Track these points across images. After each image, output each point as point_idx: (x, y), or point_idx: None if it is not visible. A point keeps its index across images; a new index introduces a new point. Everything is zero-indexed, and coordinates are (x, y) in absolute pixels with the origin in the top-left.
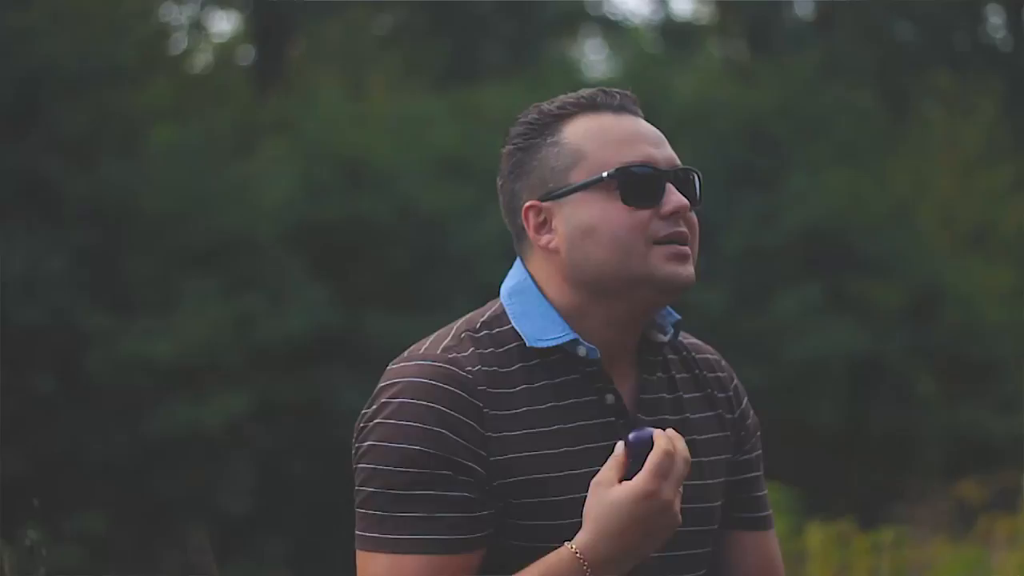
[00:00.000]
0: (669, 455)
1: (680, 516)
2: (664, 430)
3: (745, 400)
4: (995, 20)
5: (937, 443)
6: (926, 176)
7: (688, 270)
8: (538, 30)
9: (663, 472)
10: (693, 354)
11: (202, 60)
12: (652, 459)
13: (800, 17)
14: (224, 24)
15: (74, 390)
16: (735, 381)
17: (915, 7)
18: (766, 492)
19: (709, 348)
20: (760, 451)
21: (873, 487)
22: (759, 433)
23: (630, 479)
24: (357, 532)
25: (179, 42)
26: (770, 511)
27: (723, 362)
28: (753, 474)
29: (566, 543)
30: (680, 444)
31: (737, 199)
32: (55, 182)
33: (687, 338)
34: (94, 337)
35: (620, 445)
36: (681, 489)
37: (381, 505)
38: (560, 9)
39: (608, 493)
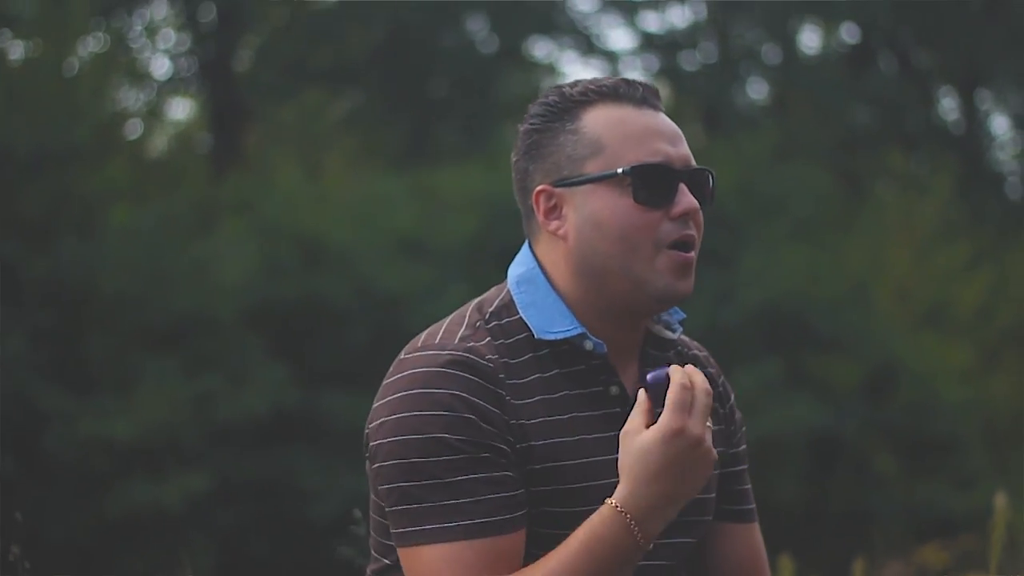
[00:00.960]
0: (687, 388)
1: (714, 452)
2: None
3: (732, 396)
4: (948, 102)
5: (896, 519)
6: (882, 254)
7: (687, 283)
8: (494, 112)
9: (684, 406)
10: (686, 349)
11: (159, 144)
12: (670, 395)
13: (755, 100)
14: (181, 109)
15: (33, 470)
16: (723, 378)
17: (869, 90)
18: (750, 487)
19: (698, 345)
20: (745, 446)
21: (833, 561)
22: (744, 429)
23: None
24: (398, 531)
25: (136, 127)
26: (754, 505)
27: (712, 359)
28: (740, 467)
29: (606, 499)
30: (698, 377)
31: (696, 277)
32: (13, 263)
33: (680, 337)
34: (53, 417)
35: (641, 392)
36: (710, 423)
37: (424, 496)
38: (516, 92)
39: (636, 440)
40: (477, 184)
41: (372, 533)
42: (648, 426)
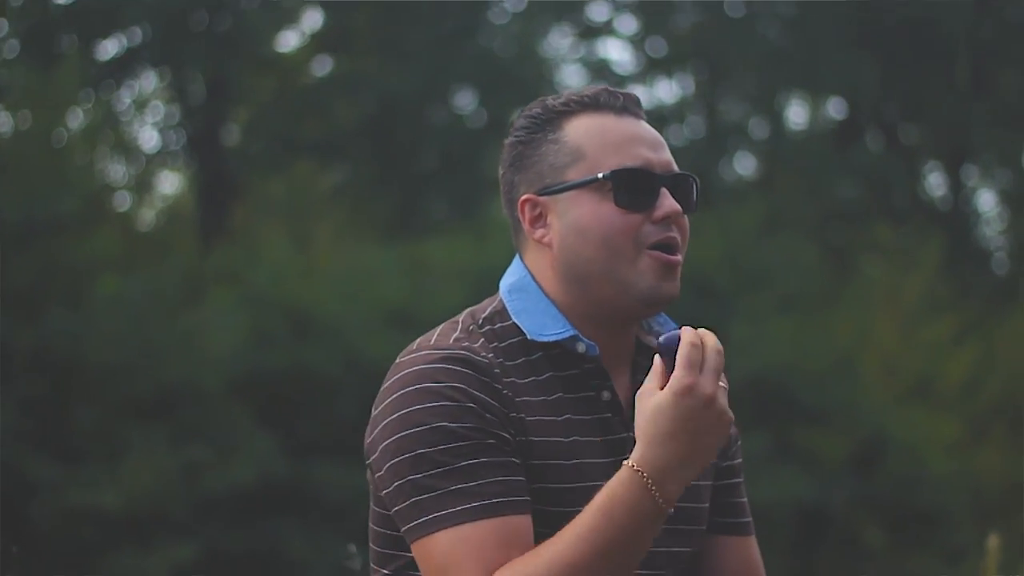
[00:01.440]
0: (697, 346)
1: (729, 412)
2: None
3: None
4: (935, 178)
5: None
6: (869, 327)
7: (672, 286)
8: (482, 185)
9: (695, 363)
10: None
11: (147, 216)
12: (681, 353)
13: (742, 176)
14: (169, 183)
15: (20, 540)
16: None
17: (855, 165)
18: (746, 499)
19: None
20: (741, 460)
21: None
22: (739, 443)
23: None
24: (410, 526)
25: (123, 199)
26: (751, 518)
27: None
28: (735, 480)
29: (624, 462)
30: (709, 338)
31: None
32: (1, 333)
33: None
34: (41, 487)
35: (656, 357)
36: (723, 383)
37: (434, 485)
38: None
39: (650, 401)
40: (465, 255)
41: (372, 545)
42: (662, 388)
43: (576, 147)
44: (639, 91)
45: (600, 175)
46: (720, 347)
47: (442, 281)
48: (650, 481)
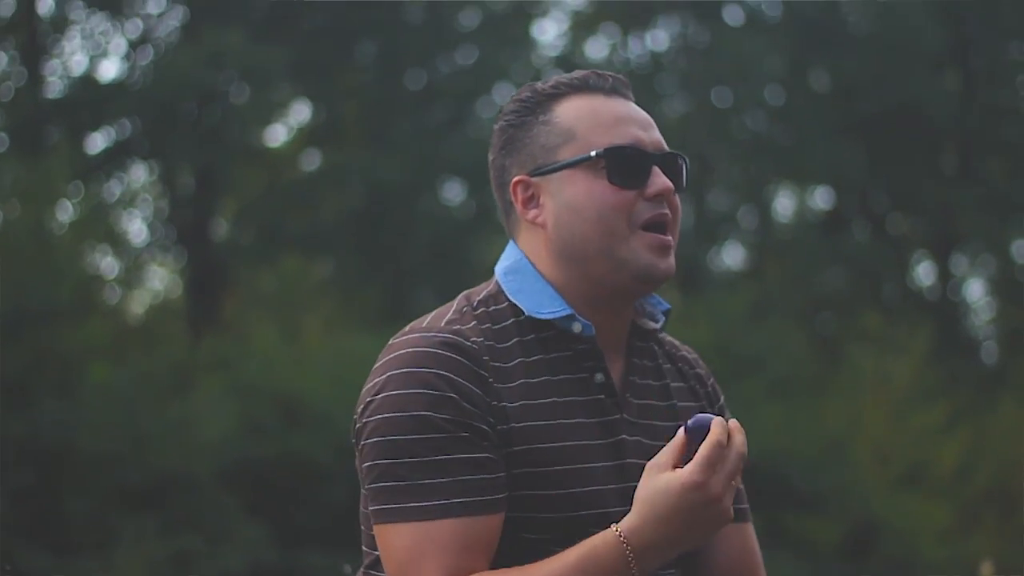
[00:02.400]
0: (721, 446)
1: (731, 511)
2: (727, 420)
3: (722, 398)
4: (923, 267)
5: None
6: (859, 414)
7: (668, 263)
8: (469, 276)
9: (712, 463)
10: (675, 350)
11: (138, 307)
12: (702, 450)
13: (730, 266)
14: (159, 274)
15: None
16: (712, 379)
17: (843, 254)
18: (743, 487)
19: (688, 347)
20: None
21: None
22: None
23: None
24: (375, 508)
25: (114, 291)
26: (747, 505)
27: (701, 361)
28: None
29: (612, 525)
30: (739, 438)
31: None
32: None
33: (667, 337)
34: None
35: (681, 431)
36: (736, 483)
37: (401, 474)
38: (492, 255)
39: (658, 479)
40: None
41: (363, 527)
42: (675, 467)
43: (567, 127)
44: None
45: (593, 153)
46: (744, 450)
47: None
48: (631, 554)
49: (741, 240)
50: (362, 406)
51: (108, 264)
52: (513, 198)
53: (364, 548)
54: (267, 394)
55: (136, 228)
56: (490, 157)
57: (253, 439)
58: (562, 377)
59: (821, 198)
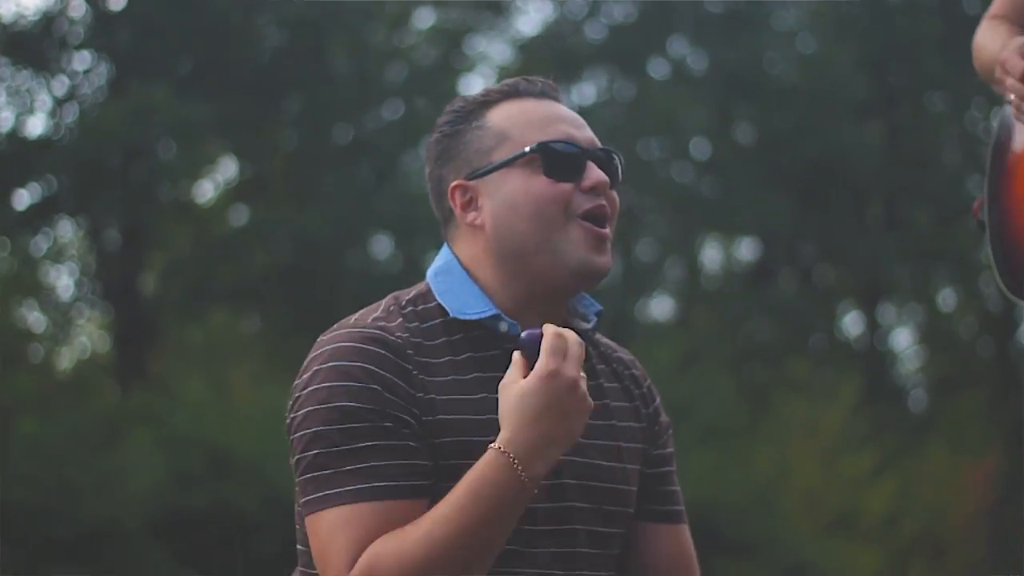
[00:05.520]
0: (560, 335)
1: (590, 398)
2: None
3: (658, 399)
4: (850, 317)
5: None
6: (788, 461)
7: (604, 259)
8: None
9: (559, 351)
10: (610, 351)
11: (65, 361)
12: (545, 342)
13: (657, 318)
14: (87, 329)
15: None
16: (648, 381)
17: (770, 304)
18: (679, 489)
19: (624, 349)
20: (672, 449)
21: None
22: (671, 431)
23: None
24: (303, 500)
25: (39, 348)
26: (682, 507)
27: (637, 362)
28: (667, 468)
29: (490, 445)
30: (570, 332)
31: None
32: None
33: (603, 339)
34: None
35: (516, 352)
36: (584, 376)
37: (327, 463)
38: None
39: (515, 387)
40: None
41: (297, 524)
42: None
43: (501, 129)
44: None
45: (527, 149)
46: (581, 341)
47: None
48: (516, 461)
49: (669, 291)
50: (292, 400)
51: (35, 319)
52: (452, 204)
53: (299, 547)
54: (196, 446)
55: (63, 283)
56: (426, 170)
57: (182, 490)
58: (492, 374)
59: (748, 249)
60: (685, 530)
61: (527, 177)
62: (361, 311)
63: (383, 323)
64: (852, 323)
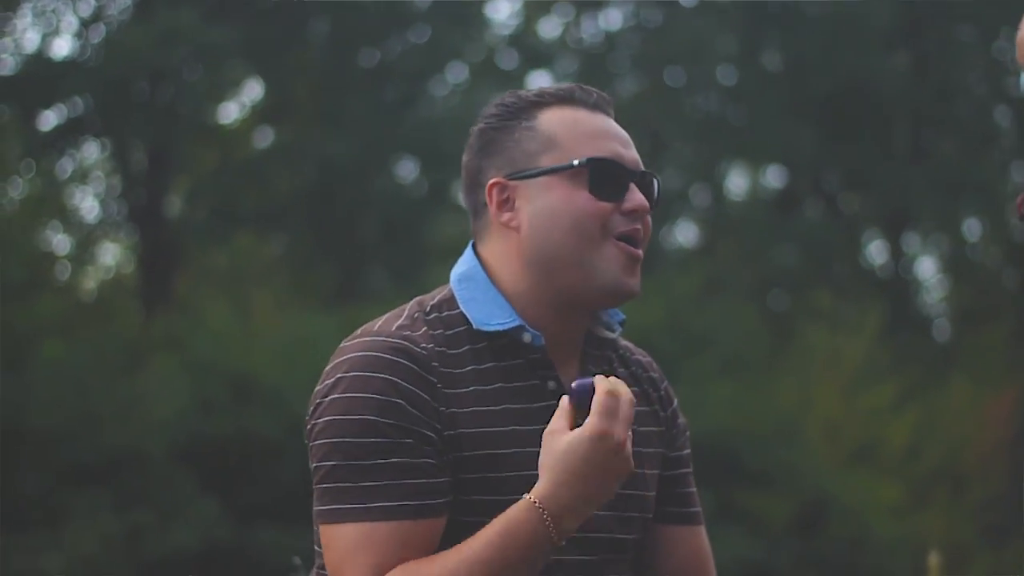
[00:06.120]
0: (613, 395)
1: (632, 460)
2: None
3: (676, 401)
4: (875, 246)
5: None
6: (810, 392)
7: (634, 282)
8: (422, 254)
9: (610, 411)
10: (628, 354)
11: (90, 285)
12: (597, 400)
13: (682, 244)
14: (111, 253)
15: None
16: (665, 383)
17: (795, 232)
18: (695, 490)
19: (642, 351)
20: (689, 450)
21: None
22: (688, 433)
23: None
24: (319, 508)
25: (65, 269)
26: (699, 508)
27: (655, 364)
28: (684, 470)
29: (525, 495)
30: (622, 388)
31: None
32: None
33: (622, 341)
34: None
35: (565, 398)
36: (631, 433)
37: (345, 476)
38: (445, 234)
39: (559, 440)
40: None
41: (315, 527)
42: (571, 430)
43: (550, 135)
44: None
45: (576, 162)
46: (633, 399)
47: None
48: (548, 517)
49: (694, 218)
50: (312, 407)
51: (60, 241)
52: (488, 200)
53: (316, 548)
54: (219, 372)
55: (88, 205)
56: (464, 158)
57: (205, 416)
58: (516, 384)
59: (773, 176)
60: (702, 531)
61: (570, 189)
62: (386, 316)
63: (408, 332)
64: (876, 252)
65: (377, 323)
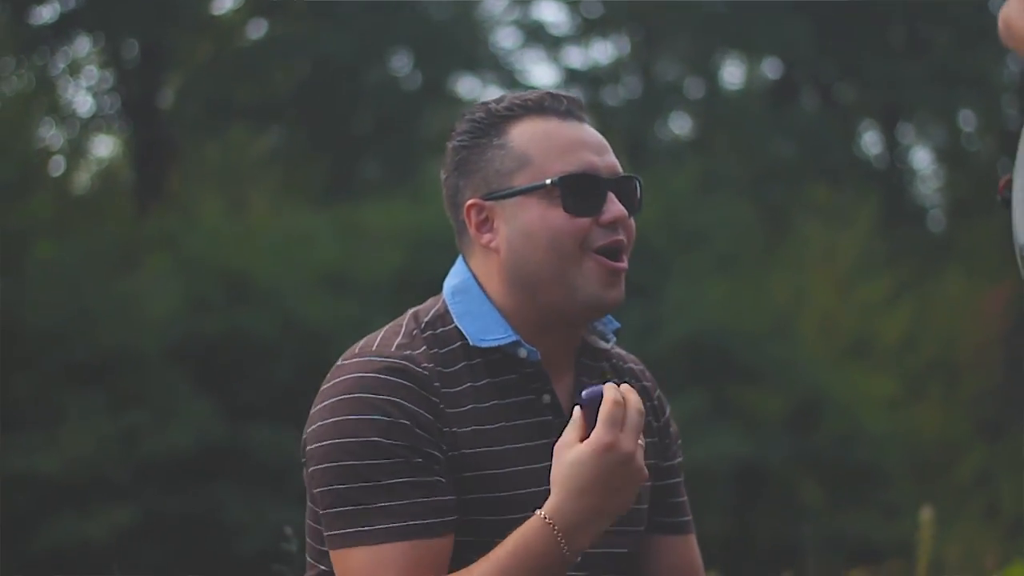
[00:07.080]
0: (620, 404)
1: (645, 469)
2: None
3: (668, 410)
4: (870, 136)
5: (823, 549)
6: (805, 287)
7: (616, 292)
8: (418, 148)
9: (617, 421)
10: (621, 363)
11: (83, 181)
12: (603, 410)
13: (677, 135)
14: (104, 146)
15: None
16: (658, 391)
17: (791, 124)
18: (686, 499)
19: (634, 359)
20: (681, 459)
21: None
22: (679, 442)
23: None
24: (330, 533)
25: (59, 164)
26: (690, 517)
27: (647, 372)
28: (675, 480)
29: (536, 511)
30: (632, 395)
31: (619, 309)
32: None
33: (615, 349)
34: None
35: (576, 408)
36: (642, 442)
37: (356, 499)
38: (440, 128)
39: (569, 454)
40: (402, 218)
41: (308, 540)
42: (582, 441)
43: (522, 152)
44: (574, 52)
45: (548, 181)
46: (642, 407)
47: (377, 244)
48: (560, 534)
49: (688, 110)
50: (313, 427)
51: (53, 137)
52: (467, 220)
53: (308, 559)
54: (213, 270)
55: (81, 99)
56: (442, 175)
57: (199, 315)
58: (510, 400)
59: (769, 68)
60: (693, 540)
61: (545, 208)
62: (383, 332)
63: (408, 352)
64: (871, 142)
65: (375, 340)
